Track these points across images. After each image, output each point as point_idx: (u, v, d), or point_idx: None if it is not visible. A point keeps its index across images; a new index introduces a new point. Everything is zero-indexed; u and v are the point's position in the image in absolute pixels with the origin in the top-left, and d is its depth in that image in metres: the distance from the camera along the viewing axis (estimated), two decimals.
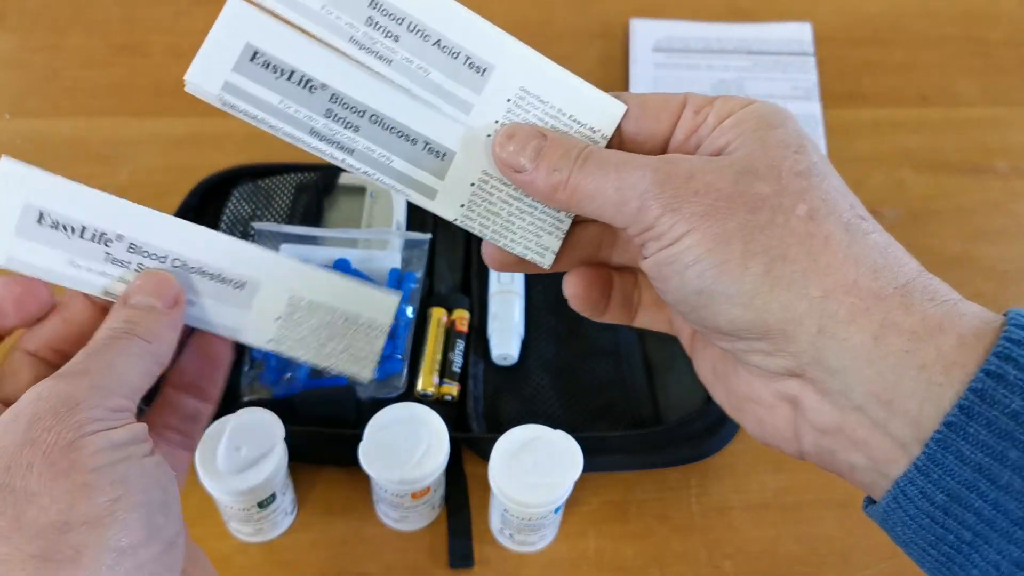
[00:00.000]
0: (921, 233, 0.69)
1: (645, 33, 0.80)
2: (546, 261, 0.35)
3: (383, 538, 0.53)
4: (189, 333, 0.35)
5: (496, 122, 0.32)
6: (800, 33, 0.80)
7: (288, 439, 0.49)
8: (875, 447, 0.28)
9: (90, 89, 0.75)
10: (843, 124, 0.75)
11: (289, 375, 0.56)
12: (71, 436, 0.27)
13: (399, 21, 0.30)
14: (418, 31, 0.31)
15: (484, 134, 0.32)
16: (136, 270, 0.33)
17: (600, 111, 0.32)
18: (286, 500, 0.52)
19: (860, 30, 0.83)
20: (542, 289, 0.62)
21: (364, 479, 0.50)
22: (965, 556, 0.27)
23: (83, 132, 0.72)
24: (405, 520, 0.53)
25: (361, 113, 0.31)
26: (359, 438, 0.49)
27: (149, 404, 0.35)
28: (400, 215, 0.63)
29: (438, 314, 0.60)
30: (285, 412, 0.50)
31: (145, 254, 0.32)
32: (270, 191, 0.65)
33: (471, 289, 0.62)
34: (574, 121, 0.32)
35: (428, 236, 0.61)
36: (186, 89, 0.30)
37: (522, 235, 0.34)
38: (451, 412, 0.56)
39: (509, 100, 0.32)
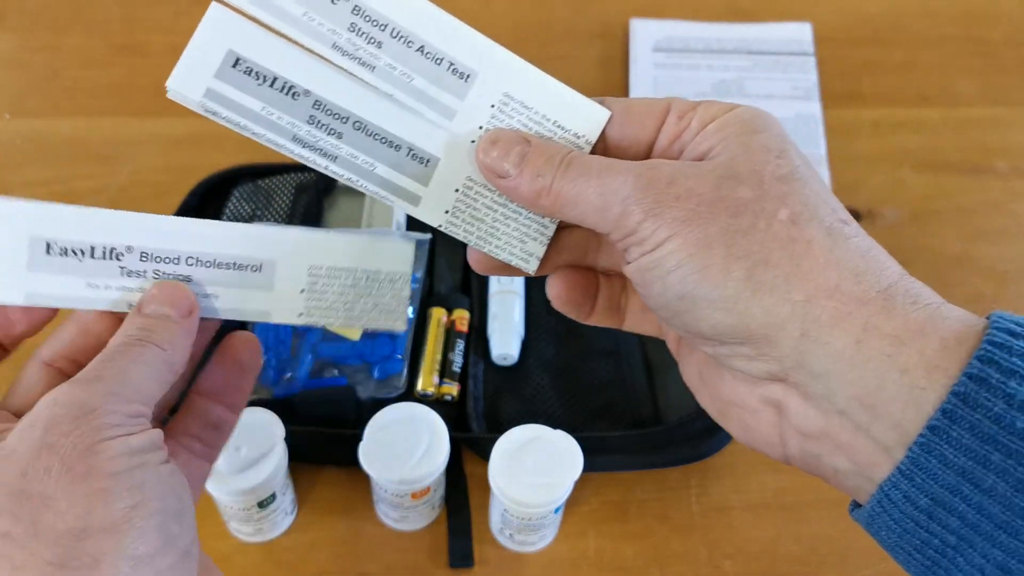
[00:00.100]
0: (921, 233, 0.68)
1: (645, 33, 0.80)
2: (531, 267, 0.35)
3: (383, 538, 0.53)
4: (215, 339, 0.35)
5: (480, 128, 0.32)
6: (800, 33, 0.80)
7: (288, 439, 0.49)
8: (859, 451, 0.28)
9: (90, 89, 0.75)
10: (843, 124, 0.75)
11: (289, 375, 0.56)
12: (89, 440, 0.26)
13: (382, 27, 0.30)
14: (401, 37, 0.30)
15: (468, 140, 0.32)
16: (153, 277, 0.32)
17: (584, 117, 0.32)
18: (286, 500, 0.52)
19: (860, 30, 0.83)
20: (542, 289, 0.62)
21: (364, 479, 0.50)
22: (950, 560, 0.27)
23: (83, 132, 0.72)
24: (405, 520, 0.53)
25: (344, 120, 0.31)
26: (359, 438, 0.49)
27: (173, 413, 0.35)
28: (400, 215, 0.63)
29: (438, 314, 0.60)
30: (285, 412, 0.50)
31: (158, 259, 0.32)
32: (270, 191, 0.65)
33: (471, 289, 0.62)
34: (558, 127, 0.32)
35: (428, 236, 0.61)
36: (168, 96, 0.29)
37: (507, 241, 0.34)
38: (451, 412, 0.56)
39: (493, 106, 0.32)
